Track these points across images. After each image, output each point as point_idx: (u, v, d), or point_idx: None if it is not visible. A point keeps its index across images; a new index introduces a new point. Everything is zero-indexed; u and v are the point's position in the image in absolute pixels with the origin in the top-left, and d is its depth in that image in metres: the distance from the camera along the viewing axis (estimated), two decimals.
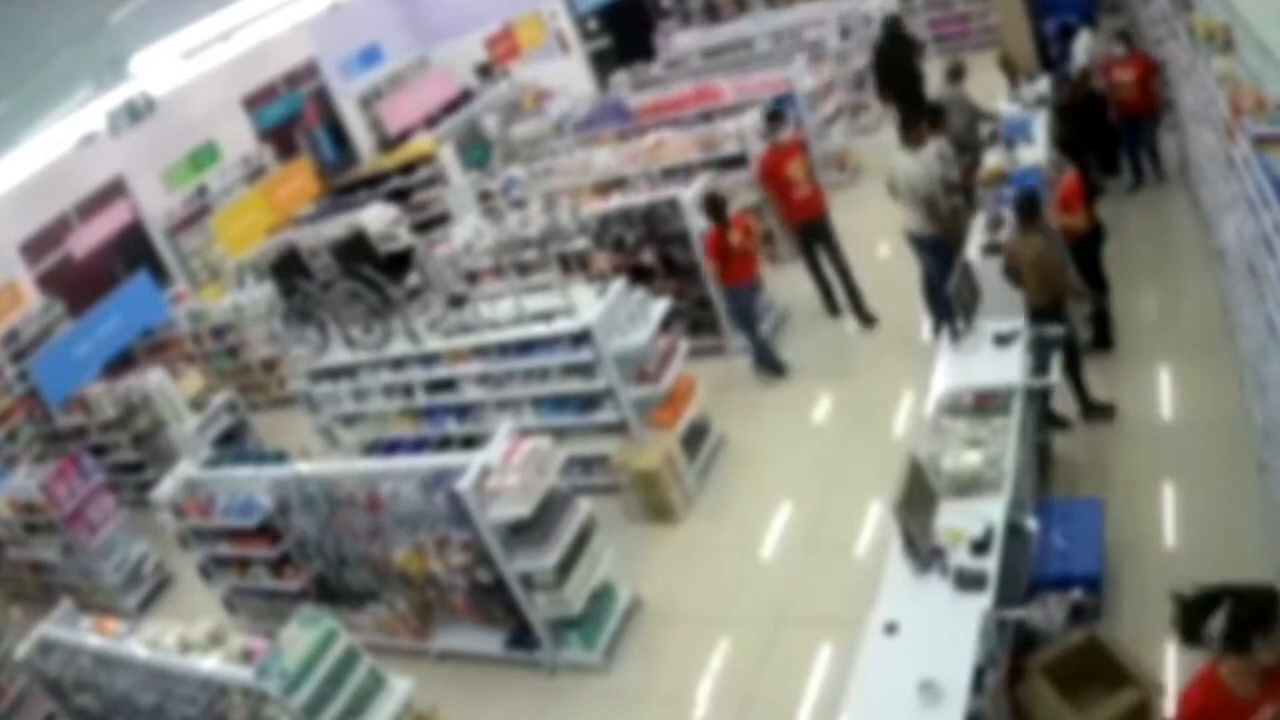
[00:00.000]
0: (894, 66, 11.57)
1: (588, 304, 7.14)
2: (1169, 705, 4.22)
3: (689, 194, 8.43)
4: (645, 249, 8.71)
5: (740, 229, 8.00)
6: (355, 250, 7.92)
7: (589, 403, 7.39)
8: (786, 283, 9.29)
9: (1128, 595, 5.09)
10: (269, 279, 9.13)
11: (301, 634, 4.83)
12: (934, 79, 10.70)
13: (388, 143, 15.54)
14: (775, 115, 8.79)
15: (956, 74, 8.80)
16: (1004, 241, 6.22)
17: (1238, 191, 5.20)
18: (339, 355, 8.30)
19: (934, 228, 7.33)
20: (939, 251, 7.36)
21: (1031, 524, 4.65)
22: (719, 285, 8.34)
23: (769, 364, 8.28)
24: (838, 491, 6.76)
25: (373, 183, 14.07)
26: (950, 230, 7.26)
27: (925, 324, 7.91)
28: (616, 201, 9.07)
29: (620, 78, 13.89)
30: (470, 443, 7.28)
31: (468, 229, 9.75)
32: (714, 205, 7.94)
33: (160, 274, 13.79)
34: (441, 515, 5.93)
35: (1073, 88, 8.57)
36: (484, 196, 11.94)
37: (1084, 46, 9.09)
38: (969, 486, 4.65)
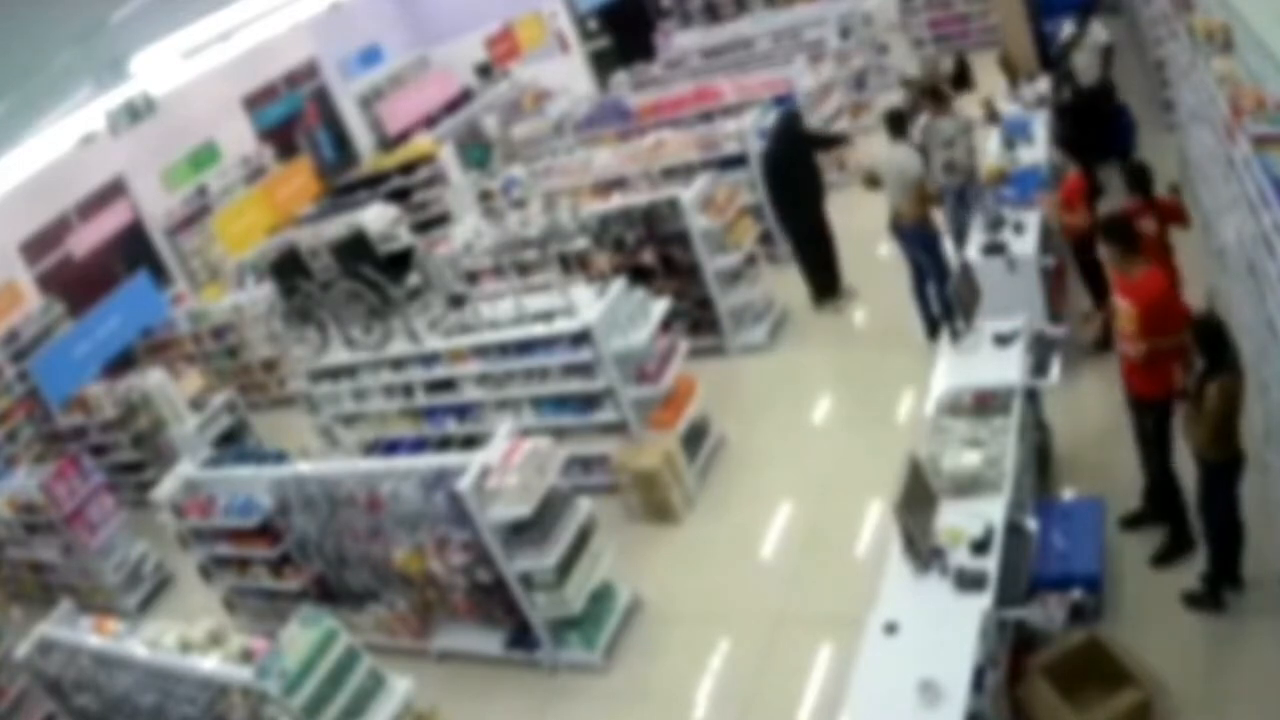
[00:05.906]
0: (787, 177, 8.64)
1: (588, 304, 7.14)
2: (1169, 705, 4.23)
3: (689, 194, 8.42)
4: (645, 249, 8.71)
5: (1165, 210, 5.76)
6: (355, 250, 7.92)
7: (589, 403, 7.39)
8: (784, 283, 9.30)
9: (1128, 595, 5.09)
10: (269, 279, 9.13)
11: (301, 634, 4.83)
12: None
13: (388, 143, 15.57)
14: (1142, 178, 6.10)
15: (946, 88, 8.69)
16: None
17: (1238, 192, 5.20)
18: (339, 355, 8.29)
19: (919, 212, 7.41)
20: (925, 242, 7.41)
21: (1031, 524, 4.64)
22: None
23: None
24: (838, 491, 6.76)
25: (373, 183, 14.07)
26: (930, 208, 7.42)
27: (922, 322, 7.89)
28: (616, 201, 9.07)
29: (620, 78, 13.92)
30: (470, 443, 7.28)
31: (468, 229, 9.75)
32: (1139, 175, 6.01)
33: (160, 274, 13.81)
34: (441, 515, 5.93)
35: (1058, 75, 8.64)
36: (484, 196, 11.94)
37: (1068, 36, 9.13)
38: (969, 486, 4.65)
